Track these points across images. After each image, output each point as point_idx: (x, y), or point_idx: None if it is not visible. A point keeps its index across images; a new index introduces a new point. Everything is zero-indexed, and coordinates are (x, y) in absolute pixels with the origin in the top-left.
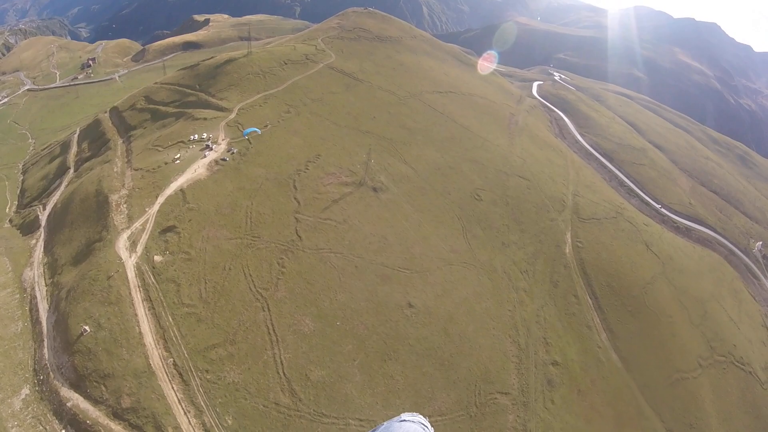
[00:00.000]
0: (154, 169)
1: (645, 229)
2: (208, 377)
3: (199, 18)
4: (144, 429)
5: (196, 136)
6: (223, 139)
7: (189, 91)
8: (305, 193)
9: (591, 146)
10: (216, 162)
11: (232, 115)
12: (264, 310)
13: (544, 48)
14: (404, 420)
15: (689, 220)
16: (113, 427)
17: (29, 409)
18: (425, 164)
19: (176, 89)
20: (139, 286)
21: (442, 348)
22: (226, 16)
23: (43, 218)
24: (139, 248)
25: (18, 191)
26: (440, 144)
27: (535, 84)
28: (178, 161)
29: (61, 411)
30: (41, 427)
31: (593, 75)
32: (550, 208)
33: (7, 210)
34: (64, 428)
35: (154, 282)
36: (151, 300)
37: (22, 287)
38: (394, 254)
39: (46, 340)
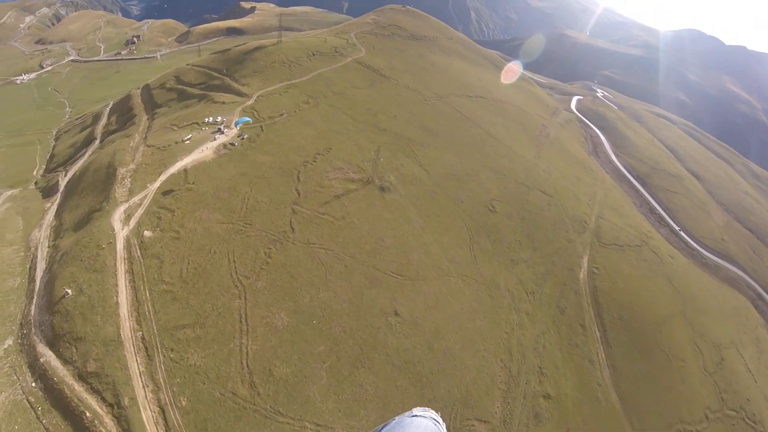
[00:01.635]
0: (164, 147)
1: (670, 261)
2: (171, 356)
3: (246, 5)
4: (103, 395)
5: (211, 118)
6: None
7: (216, 74)
8: (308, 186)
9: (624, 167)
10: (224, 146)
11: (250, 102)
12: (240, 298)
13: (590, 63)
14: (415, 415)
15: (719, 257)
16: (76, 388)
17: (8, 358)
18: (441, 168)
19: (205, 72)
20: (125, 258)
21: (422, 363)
22: (272, 5)
23: (63, 184)
24: (132, 222)
25: (48, 156)
26: (460, 149)
27: (575, 98)
28: (188, 141)
29: (35, 365)
30: (15, 377)
31: (637, 95)
32: (570, 228)
33: (35, 173)
34: (34, 382)
35: (140, 256)
36: (133, 273)
37: (27, 246)
38: (388, 258)
39: (35, 297)
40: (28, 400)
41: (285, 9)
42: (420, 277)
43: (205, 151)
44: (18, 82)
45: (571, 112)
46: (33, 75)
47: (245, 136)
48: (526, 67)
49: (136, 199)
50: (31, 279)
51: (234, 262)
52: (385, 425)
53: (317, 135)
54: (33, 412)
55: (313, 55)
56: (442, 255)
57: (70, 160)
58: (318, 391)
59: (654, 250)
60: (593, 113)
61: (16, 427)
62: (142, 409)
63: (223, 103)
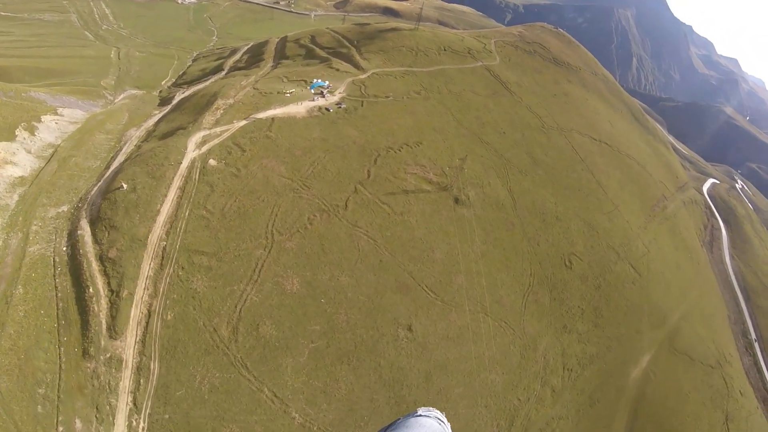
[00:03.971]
0: (266, 93)
1: (736, 398)
2: (180, 273)
3: None
4: (110, 280)
5: (319, 80)
6: (339, 93)
7: (346, 43)
8: (381, 170)
9: (734, 273)
10: (319, 108)
11: (363, 76)
12: (264, 250)
13: (740, 150)
14: (420, 415)
15: None
16: (93, 265)
17: (57, 221)
18: (530, 201)
19: (338, 38)
20: (183, 176)
21: (410, 389)
22: None
23: (177, 99)
24: (205, 148)
25: (180, 73)
26: (561, 189)
27: (710, 181)
28: (288, 95)
29: (73, 234)
30: (53, 237)
31: None
32: (645, 318)
33: (163, 83)
34: (65, 247)
35: (196, 179)
36: (183, 191)
37: (120, 139)
38: (430, 270)
39: (101, 182)
40: (53, 258)
41: (444, 3)
42: (453, 303)
43: (298, 107)
44: (179, 2)
45: (701, 193)
46: (194, 0)
47: (343, 106)
48: (672, 131)
49: (217, 129)
50: (108, 166)
51: (276, 215)
52: (390, 426)
53: (414, 126)
54: (52, 269)
55: (444, 50)
56: (489, 291)
57: (195, 81)
58: (292, 365)
59: (726, 378)
60: (723, 203)
61: (32, 275)
62: (134, 306)
63: (338, 70)
